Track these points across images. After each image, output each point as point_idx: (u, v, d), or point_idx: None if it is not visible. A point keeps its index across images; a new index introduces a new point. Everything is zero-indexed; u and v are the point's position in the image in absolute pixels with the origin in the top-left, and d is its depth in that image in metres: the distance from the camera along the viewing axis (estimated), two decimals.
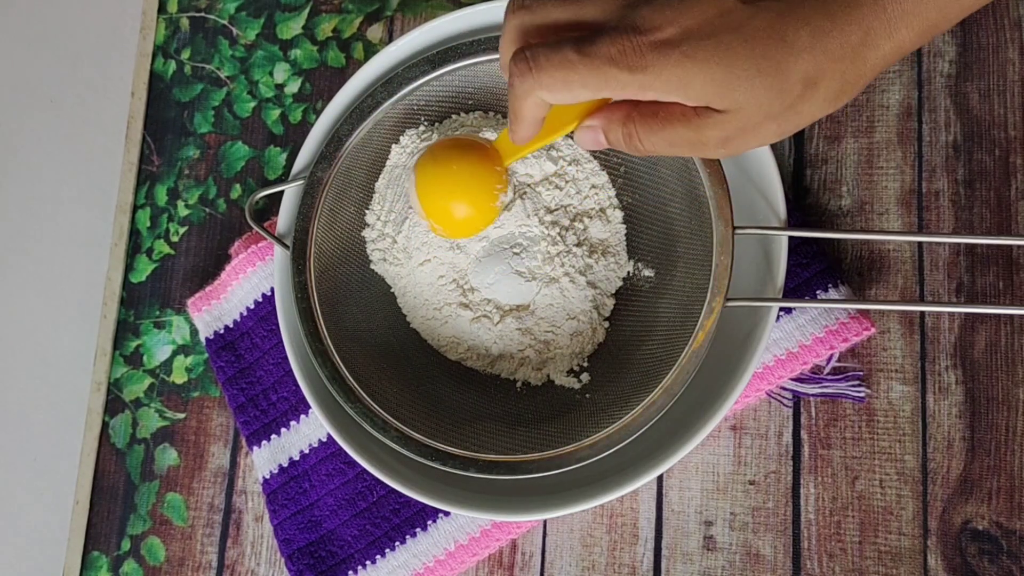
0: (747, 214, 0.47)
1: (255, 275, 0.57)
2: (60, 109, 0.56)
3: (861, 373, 0.49)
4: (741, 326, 0.46)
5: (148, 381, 0.60)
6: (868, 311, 0.48)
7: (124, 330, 0.61)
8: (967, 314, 0.48)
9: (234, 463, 0.57)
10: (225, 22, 0.63)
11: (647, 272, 0.50)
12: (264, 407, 0.56)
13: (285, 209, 0.53)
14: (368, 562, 0.52)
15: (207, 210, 0.61)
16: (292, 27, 0.62)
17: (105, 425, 0.60)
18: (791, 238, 0.47)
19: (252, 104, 0.61)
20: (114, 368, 0.60)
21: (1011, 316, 0.48)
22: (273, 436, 0.55)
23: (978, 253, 0.49)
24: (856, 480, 0.48)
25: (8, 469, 0.53)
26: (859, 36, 0.30)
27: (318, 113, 0.59)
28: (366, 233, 0.52)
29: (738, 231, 0.43)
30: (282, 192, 0.53)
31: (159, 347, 0.60)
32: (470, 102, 0.52)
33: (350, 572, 0.53)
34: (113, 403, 0.60)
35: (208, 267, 0.60)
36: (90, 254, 0.59)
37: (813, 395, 0.49)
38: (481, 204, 0.38)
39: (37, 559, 0.55)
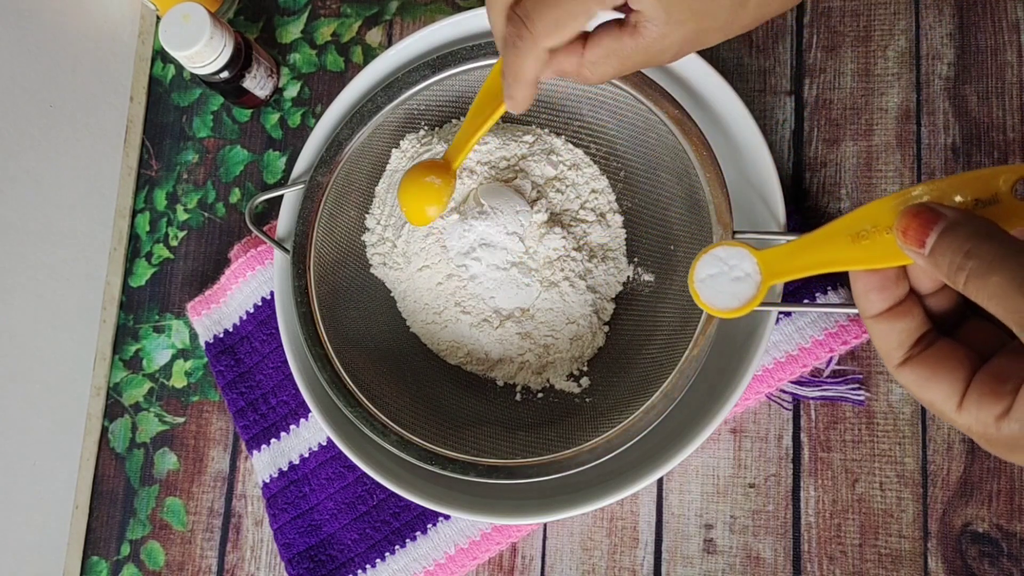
0: (746, 218, 0.47)
1: (254, 279, 0.57)
2: (59, 114, 0.56)
3: (860, 376, 0.49)
4: (740, 329, 0.46)
5: (147, 385, 0.60)
6: None
7: (123, 334, 0.61)
8: None
9: (234, 467, 0.57)
10: None
11: (647, 276, 0.50)
12: (264, 411, 0.56)
13: (285, 213, 0.53)
14: (368, 566, 0.52)
15: (206, 214, 0.61)
16: (291, 31, 0.62)
17: (104, 430, 0.60)
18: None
19: (251, 108, 0.61)
20: (113, 372, 0.60)
21: None
22: (273, 440, 0.55)
23: None
24: (856, 483, 0.48)
25: (7, 474, 0.53)
26: None
27: (317, 117, 0.59)
28: (366, 237, 0.52)
29: (737, 235, 0.43)
30: (281, 196, 0.53)
31: (158, 351, 0.60)
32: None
33: None
34: (112, 407, 0.60)
35: (207, 271, 0.60)
36: (89, 258, 0.59)
37: (813, 398, 0.49)
38: (428, 204, 0.45)
39: (37, 564, 0.55)
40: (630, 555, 0.50)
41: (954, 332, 0.28)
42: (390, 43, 0.59)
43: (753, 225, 0.47)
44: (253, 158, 0.61)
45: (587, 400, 0.48)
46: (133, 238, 0.62)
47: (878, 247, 0.28)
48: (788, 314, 0.49)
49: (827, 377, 0.49)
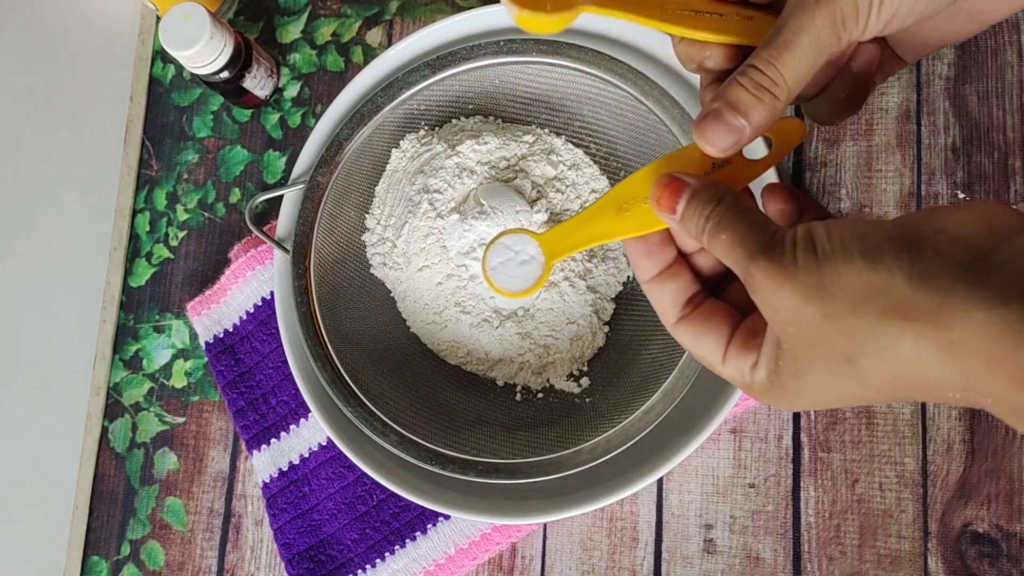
0: None
1: (254, 279, 0.57)
2: (59, 114, 0.56)
3: None
4: None
5: (148, 385, 0.60)
6: None
7: (124, 334, 0.61)
8: None
9: (234, 467, 0.57)
10: None
11: None
12: (264, 411, 0.56)
13: (285, 213, 0.53)
14: (368, 566, 0.52)
15: (206, 214, 0.61)
16: (291, 31, 0.62)
17: (105, 430, 0.60)
18: None
19: (251, 108, 0.61)
20: (114, 372, 0.60)
21: None
22: (273, 440, 0.55)
23: None
24: (856, 483, 0.48)
25: (8, 474, 0.53)
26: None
27: (317, 117, 0.59)
28: (366, 237, 0.52)
29: None
30: (281, 196, 0.53)
31: (158, 351, 0.60)
32: (470, 106, 0.52)
33: None
34: (113, 407, 0.60)
35: (207, 271, 0.60)
36: (89, 258, 0.59)
37: None
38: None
39: (37, 564, 0.55)
40: (630, 555, 0.50)
41: (722, 292, 0.31)
42: (390, 43, 0.59)
43: None
44: (253, 158, 0.61)
45: (587, 400, 0.48)
46: (133, 238, 0.62)
47: (639, 217, 0.31)
48: None
49: None
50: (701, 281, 0.31)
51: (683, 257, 0.31)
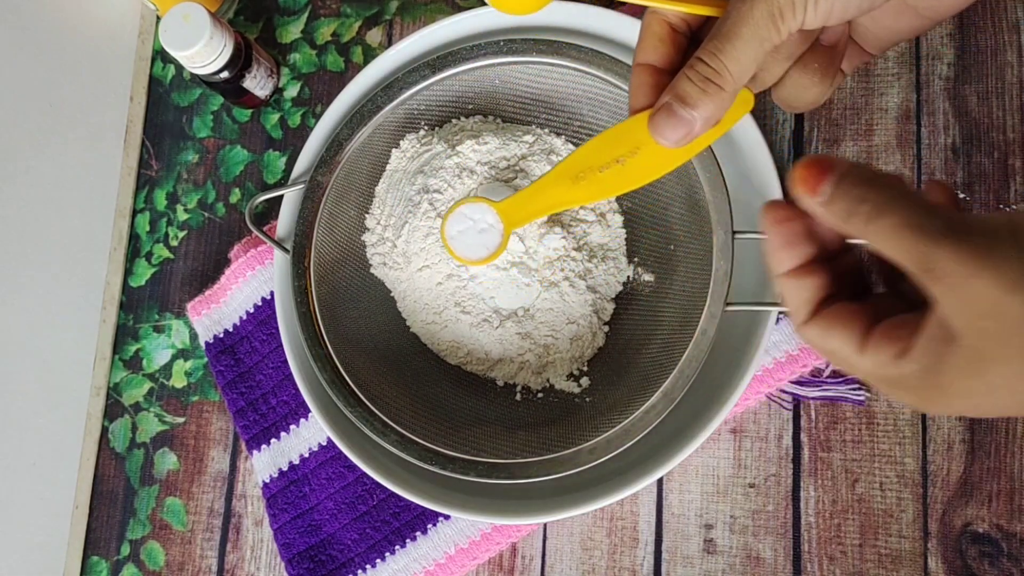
0: (746, 218, 0.47)
1: (254, 279, 0.57)
2: (59, 114, 0.56)
3: None
4: (740, 329, 0.46)
5: (147, 385, 0.60)
6: None
7: (123, 334, 0.61)
8: None
9: (234, 467, 0.57)
10: None
11: (647, 276, 0.50)
12: (264, 411, 0.56)
13: (285, 213, 0.53)
14: (368, 566, 0.52)
15: (206, 214, 0.61)
16: (291, 31, 0.62)
17: (105, 430, 0.60)
18: None
19: (251, 108, 0.61)
20: (113, 372, 0.60)
21: None
22: (273, 440, 0.55)
23: None
24: (856, 483, 0.48)
25: (8, 474, 0.53)
26: None
27: (317, 117, 0.59)
28: (366, 237, 0.52)
29: (738, 236, 0.43)
30: (281, 196, 0.53)
31: (158, 351, 0.60)
32: (470, 106, 0.52)
33: None
34: (112, 407, 0.60)
35: (207, 271, 0.60)
36: (89, 258, 0.59)
37: (813, 398, 0.49)
38: None
39: (37, 564, 0.55)
40: (630, 555, 0.50)
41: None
42: (390, 43, 0.59)
43: (753, 225, 0.47)
44: (253, 158, 0.61)
45: (587, 400, 0.48)
46: (133, 238, 0.62)
47: (595, 184, 0.31)
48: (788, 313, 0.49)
49: (827, 377, 0.49)
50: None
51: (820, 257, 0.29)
